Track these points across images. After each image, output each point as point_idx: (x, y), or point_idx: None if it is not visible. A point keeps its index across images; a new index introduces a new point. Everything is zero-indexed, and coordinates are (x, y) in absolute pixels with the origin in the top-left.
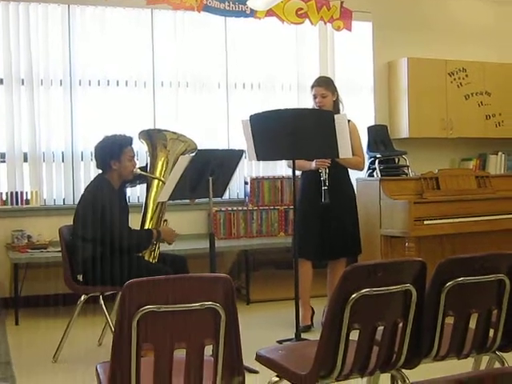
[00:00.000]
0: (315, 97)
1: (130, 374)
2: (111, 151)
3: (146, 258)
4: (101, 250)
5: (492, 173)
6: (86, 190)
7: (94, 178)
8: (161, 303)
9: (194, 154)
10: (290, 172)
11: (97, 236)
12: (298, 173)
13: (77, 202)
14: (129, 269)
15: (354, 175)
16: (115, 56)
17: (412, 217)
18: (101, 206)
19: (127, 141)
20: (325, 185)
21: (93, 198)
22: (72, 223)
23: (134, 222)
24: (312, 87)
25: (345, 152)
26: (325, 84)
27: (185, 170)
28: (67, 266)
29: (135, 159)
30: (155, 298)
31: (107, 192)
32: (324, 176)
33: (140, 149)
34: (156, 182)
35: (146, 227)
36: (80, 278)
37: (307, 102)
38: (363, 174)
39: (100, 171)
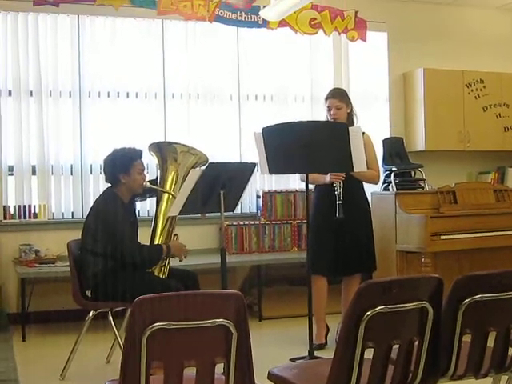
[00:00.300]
0: (329, 109)
1: None
2: (120, 164)
3: (156, 273)
4: (110, 265)
5: (511, 186)
6: (94, 203)
7: (103, 192)
8: (171, 320)
9: (205, 168)
10: (303, 186)
11: (106, 251)
12: (311, 186)
13: (85, 215)
14: (138, 285)
15: (369, 189)
16: (125, 67)
17: (428, 232)
18: (110, 221)
19: (137, 154)
20: (339, 199)
21: (102, 212)
22: (80, 237)
23: (144, 236)
24: (326, 99)
25: (359, 165)
26: (339, 96)
27: (196, 184)
28: (75, 281)
29: (145, 172)
30: (165, 314)
31: (116, 206)
32: (338, 190)
33: (150, 162)
34: (166, 195)
35: (156, 242)
36: (89, 293)
37: (321, 114)
38: (378, 187)
39: (109, 185)
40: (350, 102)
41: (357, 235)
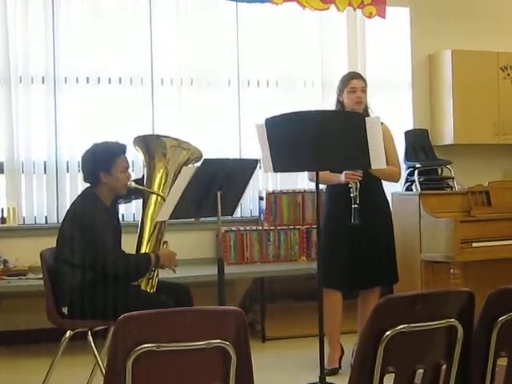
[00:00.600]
0: (354, 90)
1: None
2: (101, 161)
3: (143, 287)
4: (89, 277)
5: None
6: (71, 206)
7: (82, 193)
8: (160, 341)
9: (199, 165)
10: (312, 185)
11: (85, 261)
12: (322, 186)
13: (61, 220)
14: (123, 300)
15: (389, 188)
16: (107, 49)
17: (458, 238)
18: (89, 226)
19: (120, 149)
20: (355, 202)
21: (80, 216)
22: (55, 246)
23: (129, 244)
24: (350, 79)
25: (378, 162)
26: (363, 78)
27: (188, 184)
28: (50, 296)
29: (129, 171)
30: (154, 334)
31: (97, 209)
32: (354, 192)
33: (135, 158)
34: (154, 197)
35: (143, 251)
36: (65, 310)
37: (334, 101)
38: (400, 186)
39: (88, 185)
40: None
41: (375, 242)
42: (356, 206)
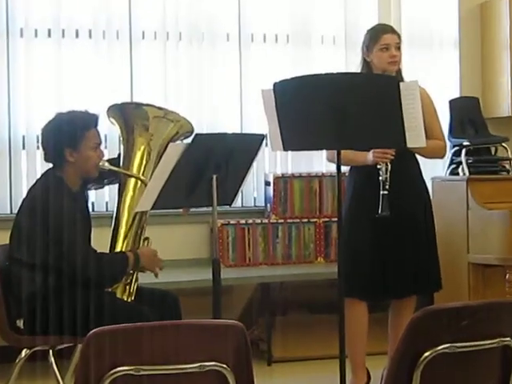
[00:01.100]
0: (386, 48)
1: None
2: (66, 136)
3: (119, 295)
4: (52, 282)
5: None
6: (29, 192)
7: (42, 176)
8: (141, 363)
9: (190, 141)
10: (332, 168)
11: (46, 262)
12: (344, 168)
13: (15, 209)
14: (94, 311)
15: (429, 172)
16: None
17: None
18: (52, 218)
19: (90, 120)
20: (384, 188)
21: (40, 205)
22: (9, 242)
23: (101, 240)
24: (380, 34)
25: (415, 139)
26: (397, 32)
27: (176, 165)
28: (1, 305)
29: (102, 147)
30: (132, 355)
31: (61, 196)
32: (384, 175)
33: (110, 132)
34: (133, 181)
35: (119, 249)
36: (20, 323)
37: (359, 62)
38: (442, 170)
39: (50, 165)
40: None
41: (411, 240)
42: (385, 192)
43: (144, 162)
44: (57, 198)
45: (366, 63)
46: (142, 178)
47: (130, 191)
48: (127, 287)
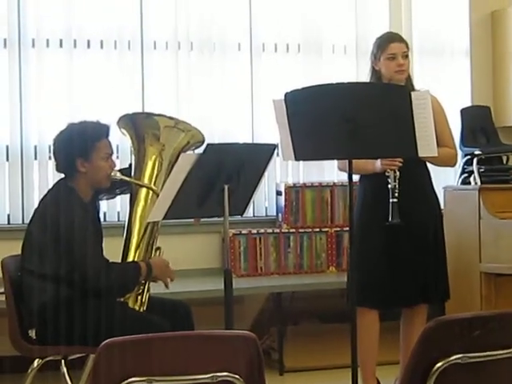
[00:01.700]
0: (393, 57)
1: None
2: (78, 146)
3: (131, 304)
4: (64, 292)
5: None
6: (41, 203)
7: (53, 186)
8: (152, 374)
9: (201, 151)
10: (344, 177)
11: (58, 272)
12: (355, 177)
13: (27, 220)
14: (106, 322)
15: (440, 181)
16: (85, 4)
17: None
18: (64, 229)
19: (101, 131)
20: (393, 196)
21: (52, 216)
22: (21, 253)
23: (113, 250)
24: (387, 43)
25: (427, 148)
26: (404, 40)
27: (188, 175)
28: (13, 316)
29: (114, 158)
30: (144, 365)
31: (73, 206)
32: (393, 183)
33: (121, 143)
34: (144, 191)
35: (131, 259)
36: (32, 333)
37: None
38: (454, 179)
39: (62, 175)
40: None
41: (420, 248)
42: (395, 200)
43: (155, 172)
44: (68, 208)
45: (374, 72)
46: (153, 187)
47: (142, 201)
48: (139, 297)
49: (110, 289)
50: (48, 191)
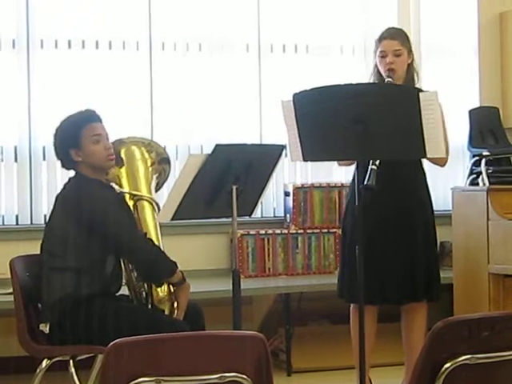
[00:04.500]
0: (383, 55)
1: None
2: (68, 137)
3: (167, 311)
4: (87, 288)
5: None
6: (60, 196)
7: (69, 180)
8: (161, 374)
9: (210, 153)
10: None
11: (105, 252)
12: None
13: (36, 220)
14: (135, 322)
15: (448, 182)
16: (94, 4)
17: None
18: (102, 208)
19: (85, 117)
20: (373, 163)
21: (81, 201)
22: (40, 251)
23: None
24: (380, 40)
25: (435, 149)
26: (399, 37)
27: (196, 176)
28: (22, 316)
29: (107, 137)
30: (153, 365)
31: (99, 188)
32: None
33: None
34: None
35: None
36: (46, 328)
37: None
38: (462, 180)
39: (69, 171)
40: (412, 51)
41: (409, 247)
42: (374, 167)
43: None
44: (94, 190)
45: (376, 70)
46: (153, 198)
47: (148, 210)
48: (170, 303)
49: (147, 264)
50: (64, 185)
